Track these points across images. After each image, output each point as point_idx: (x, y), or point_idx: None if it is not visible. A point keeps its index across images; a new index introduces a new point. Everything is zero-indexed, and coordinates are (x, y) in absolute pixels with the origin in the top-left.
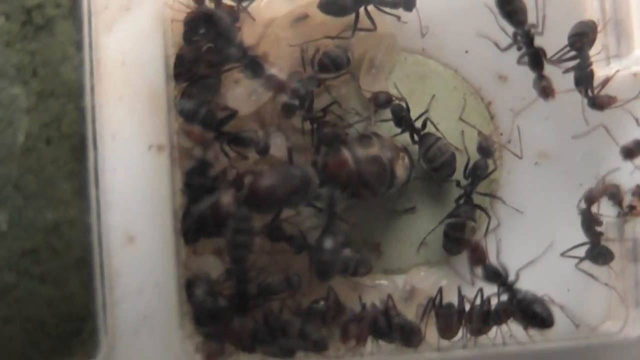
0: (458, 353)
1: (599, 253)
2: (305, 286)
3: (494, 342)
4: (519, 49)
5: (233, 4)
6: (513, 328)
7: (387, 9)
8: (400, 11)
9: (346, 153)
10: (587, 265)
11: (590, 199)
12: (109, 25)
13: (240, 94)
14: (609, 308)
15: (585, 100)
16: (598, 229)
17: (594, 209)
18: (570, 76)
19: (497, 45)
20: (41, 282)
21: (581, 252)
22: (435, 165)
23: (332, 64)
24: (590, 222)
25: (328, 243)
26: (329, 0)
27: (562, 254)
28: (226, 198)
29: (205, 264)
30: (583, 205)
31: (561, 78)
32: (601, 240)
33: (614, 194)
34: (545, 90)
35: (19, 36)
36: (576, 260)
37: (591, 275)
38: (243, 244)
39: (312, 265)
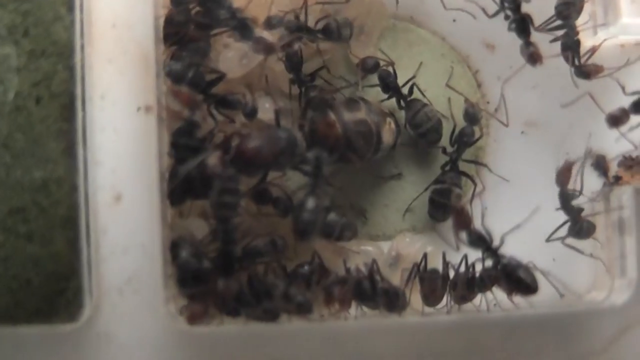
0: (442, 319)
1: (580, 228)
2: (290, 250)
3: (479, 308)
4: (506, 17)
5: None
6: (498, 296)
7: None
8: None
9: (333, 116)
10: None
11: (562, 180)
12: None
13: (232, 57)
14: (595, 277)
15: (573, 69)
16: (577, 205)
17: (570, 185)
18: (557, 43)
19: (484, 11)
20: (27, 241)
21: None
22: (421, 131)
23: (337, 32)
24: (567, 200)
25: (310, 203)
26: None
27: (547, 240)
28: (213, 159)
29: (191, 226)
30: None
31: (548, 46)
32: (581, 215)
33: (599, 164)
34: (533, 56)
35: None
36: (562, 232)
37: (577, 250)
38: (229, 204)
39: (292, 224)
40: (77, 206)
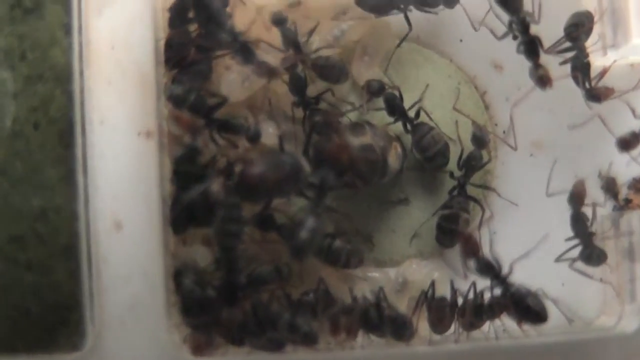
0: (450, 347)
1: (591, 254)
2: (295, 277)
3: (487, 336)
4: (514, 37)
5: None
6: (506, 323)
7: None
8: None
9: (340, 139)
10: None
11: (575, 201)
12: (98, 8)
13: (234, 80)
14: (604, 302)
15: (583, 92)
16: (589, 229)
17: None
18: (566, 64)
19: (493, 33)
20: (27, 270)
21: (575, 250)
22: (428, 155)
23: (333, 75)
24: (579, 223)
25: (309, 222)
26: None
27: (557, 260)
28: (216, 186)
29: (194, 254)
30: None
31: (557, 66)
32: (593, 240)
33: (610, 187)
34: (542, 79)
35: (7, 19)
36: (570, 256)
37: (585, 274)
38: (232, 232)
39: (287, 243)
40: (77, 234)
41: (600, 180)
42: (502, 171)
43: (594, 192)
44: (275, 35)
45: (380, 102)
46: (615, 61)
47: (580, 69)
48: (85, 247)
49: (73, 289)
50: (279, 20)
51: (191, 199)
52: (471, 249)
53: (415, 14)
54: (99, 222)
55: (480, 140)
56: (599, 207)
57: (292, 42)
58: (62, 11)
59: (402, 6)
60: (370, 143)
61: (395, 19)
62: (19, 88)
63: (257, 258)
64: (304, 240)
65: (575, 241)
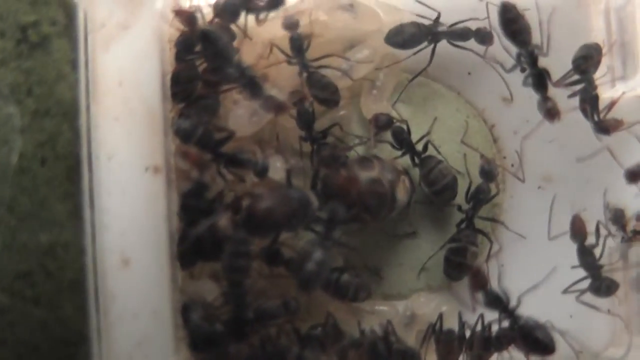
0: None
1: (600, 285)
2: (303, 311)
3: None
4: (522, 70)
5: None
6: (515, 355)
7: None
8: None
9: (350, 172)
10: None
11: (577, 236)
12: (106, 43)
13: (241, 114)
14: (613, 334)
15: (592, 124)
16: (597, 262)
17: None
18: (574, 97)
19: (501, 66)
20: (35, 305)
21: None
22: (436, 188)
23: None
24: (586, 256)
25: (317, 254)
26: (397, 32)
27: (564, 292)
28: (223, 221)
29: (202, 288)
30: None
31: (565, 99)
32: (601, 272)
33: (618, 219)
34: (551, 112)
35: (13, 54)
36: (578, 288)
37: (593, 307)
38: (241, 267)
39: (294, 275)
40: (85, 270)
41: (609, 212)
42: (510, 204)
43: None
44: (282, 70)
45: (388, 135)
46: (624, 93)
47: (589, 101)
48: (93, 283)
49: (81, 325)
50: (290, 25)
51: (199, 233)
52: (479, 282)
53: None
54: (107, 258)
55: (488, 173)
56: (607, 239)
57: (298, 49)
58: (68, 46)
59: (431, 41)
60: (378, 177)
61: (404, 53)
62: (26, 123)
63: (265, 292)
64: (311, 272)
65: (584, 274)
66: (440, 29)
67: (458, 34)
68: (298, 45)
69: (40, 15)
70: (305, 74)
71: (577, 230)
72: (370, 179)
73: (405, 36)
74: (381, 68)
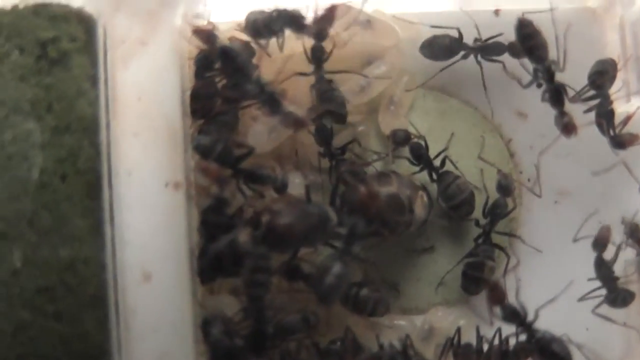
0: None
1: (616, 297)
2: (322, 326)
3: None
4: (539, 85)
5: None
6: None
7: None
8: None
9: (370, 188)
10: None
11: (600, 246)
12: (125, 59)
13: (261, 131)
14: (629, 347)
15: (608, 139)
16: (613, 273)
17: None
18: (590, 112)
19: (519, 82)
20: (56, 320)
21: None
22: (453, 203)
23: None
24: (603, 269)
25: (337, 267)
26: (431, 43)
27: (580, 299)
28: (243, 236)
29: (222, 303)
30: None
31: (581, 113)
32: (617, 283)
33: (634, 233)
34: (568, 127)
35: (33, 70)
36: (594, 301)
37: (609, 319)
38: (261, 282)
39: (314, 288)
40: (105, 285)
41: (624, 227)
42: (527, 218)
43: (618, 238)
44: (301, 85)
45: (406, 151)
46: (639, 107)
47: (605, 116)
48: (114, 298)
49: (102, 340)
50: (319, 34)
51: (219, 249)
52: (497, 296)
53: (440, 63)
54: (127, 273)
55: (505, 188)
56: (622, 252)
57: (318, 59)
58: (88, 63)
59: (466, 53)
60: (397, 192)
61: (421, 69)
62: (46, 139)
63: (284, 307)
64: (330, 285)
65: (600, 285)
66: (474, 43)
67: (491, 48)
68: (318, 55)
69: (59, 31)
70: (318, 86)
71: (601, 240)
72: (389, 194)
73: (439, 48)
74: (413, 88)
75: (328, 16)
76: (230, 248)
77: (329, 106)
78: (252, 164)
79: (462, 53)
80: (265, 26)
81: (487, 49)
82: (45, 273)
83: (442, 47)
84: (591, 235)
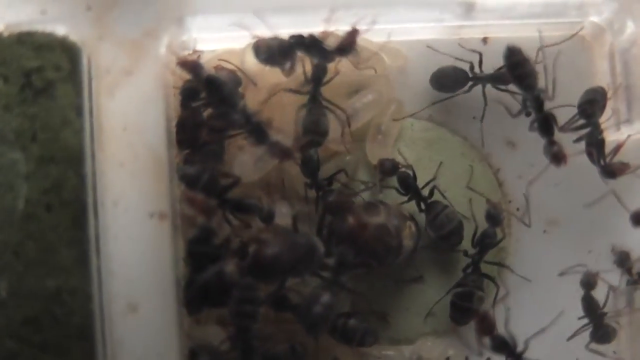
0: None
1: (603, 334)
2: (310, 356)
3: None
4: (527, 114)
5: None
6: None
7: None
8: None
9: (359, 219)
10: None
11: (588, 285)
12: (110, 89)
13: (247, 160)
14: None
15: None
16: (600, 310)
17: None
18: (580, 141)
19: (508, 110)
20: (42, 351)
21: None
22: (442, 233)
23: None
24: (590, 305)
25: (324, 297)
26: (441, 74)
27: (569, 339)
28: (230, 267)
29: (209, 333)
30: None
31: (571, 143)
32: (604, 320)
33: (623, 261)
34: (557, 157)
35: (17, 100)
36: (585, 332)
37: (599, 353)
38: (248, 313)
39: (301, 317)
40: (92, 316)
41: (614, 255)
42: (516, 248)
43: (607, 266)
44: (287, 115)
45: (393, 181)
46: (629, 136)
47: (595, 145)
48: (100, 329)
49: None
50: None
51: (206, 280)
52: (486, 326)
53: (428, 92)
54: (114, 304)
55: (494, 218)
56: (612, 280)
57: (317, 79)
58: (73, 92)
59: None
60: (385, 223)
61: (409, 98)
62: (31, 169)
63: (272, 337)
64: (318, 315)
65: (587, 321)
66: (481, 73)
67: (499, 78)
68: (320, 75)
69: (44, 60)
70: (310, 107)
71: (588, 283)
72: (377, 225)
73: (447, 79)
74: (400, 118)
75: (350, 40)
76: (217, 279)
77: (312, 132)
78: (239, 194)
79: (469, 84)
80: (281, 52)
81: (497, 78)
82: (32, 303)
83: (451, 78)
84: (581, 264)
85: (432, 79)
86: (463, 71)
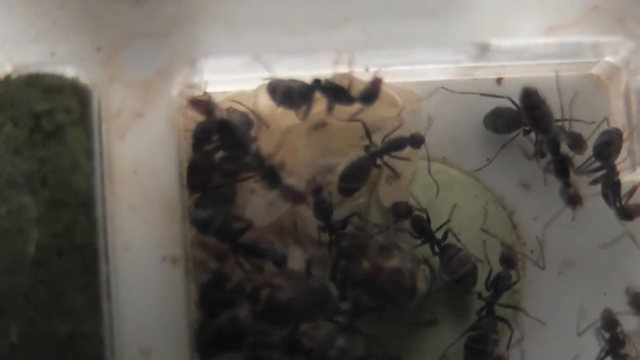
0: None
1: None
2: None
3: None
4: (542, 155)
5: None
6: None
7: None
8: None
9: (369, 265)
10: None
11: (609, 326)
12: (121, 132)
13: (259, 204)
14: None
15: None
16: (622, 351)
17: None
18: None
19: (524, 153)
20: None
21: None
22: (456, 277)
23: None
24: (614, 347)
25: (340, 341)
26: (495, 115)
27: None
28: (243, 312)
29: None
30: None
31: (586, 185)
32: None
33: (638, 303)
34: (573, 199)
35: (27, 143)
36: None
37: None
38: (262, 358)
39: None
40: None
41: (628, 296)
42: (531, 290)
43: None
44: (299, 158)
45: (407, 224)
46: None
47: (611, 187)
48: None
49: None
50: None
51: (219, 325)
52: None
53: (442, 135)
54: (126, 349)
55: (509, 260)
56: (628, 320)
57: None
58: (83, 135)
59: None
60: (399, 267)
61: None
62: (42, 214)
63: None
64: (333, 359)
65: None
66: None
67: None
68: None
69: (54, 103)
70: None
71: (608, 322)
72: (392, 268)
73: (503, 120)
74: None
75: (375, 90)
76: (230, 324)
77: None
78: (251, 238)
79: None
80: (300, 94)
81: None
82: (43, 348)
83: (507, 119)
84: (596, 306)
85: (486, 120)
86: (518, 113)
